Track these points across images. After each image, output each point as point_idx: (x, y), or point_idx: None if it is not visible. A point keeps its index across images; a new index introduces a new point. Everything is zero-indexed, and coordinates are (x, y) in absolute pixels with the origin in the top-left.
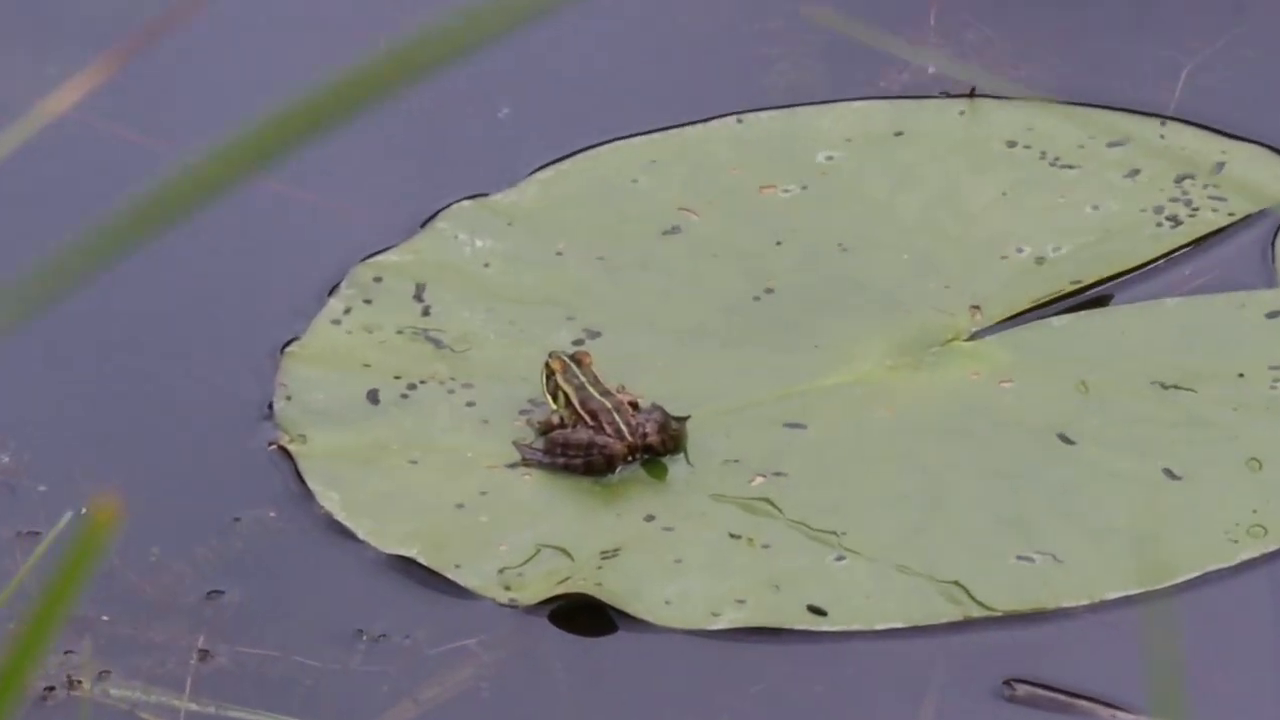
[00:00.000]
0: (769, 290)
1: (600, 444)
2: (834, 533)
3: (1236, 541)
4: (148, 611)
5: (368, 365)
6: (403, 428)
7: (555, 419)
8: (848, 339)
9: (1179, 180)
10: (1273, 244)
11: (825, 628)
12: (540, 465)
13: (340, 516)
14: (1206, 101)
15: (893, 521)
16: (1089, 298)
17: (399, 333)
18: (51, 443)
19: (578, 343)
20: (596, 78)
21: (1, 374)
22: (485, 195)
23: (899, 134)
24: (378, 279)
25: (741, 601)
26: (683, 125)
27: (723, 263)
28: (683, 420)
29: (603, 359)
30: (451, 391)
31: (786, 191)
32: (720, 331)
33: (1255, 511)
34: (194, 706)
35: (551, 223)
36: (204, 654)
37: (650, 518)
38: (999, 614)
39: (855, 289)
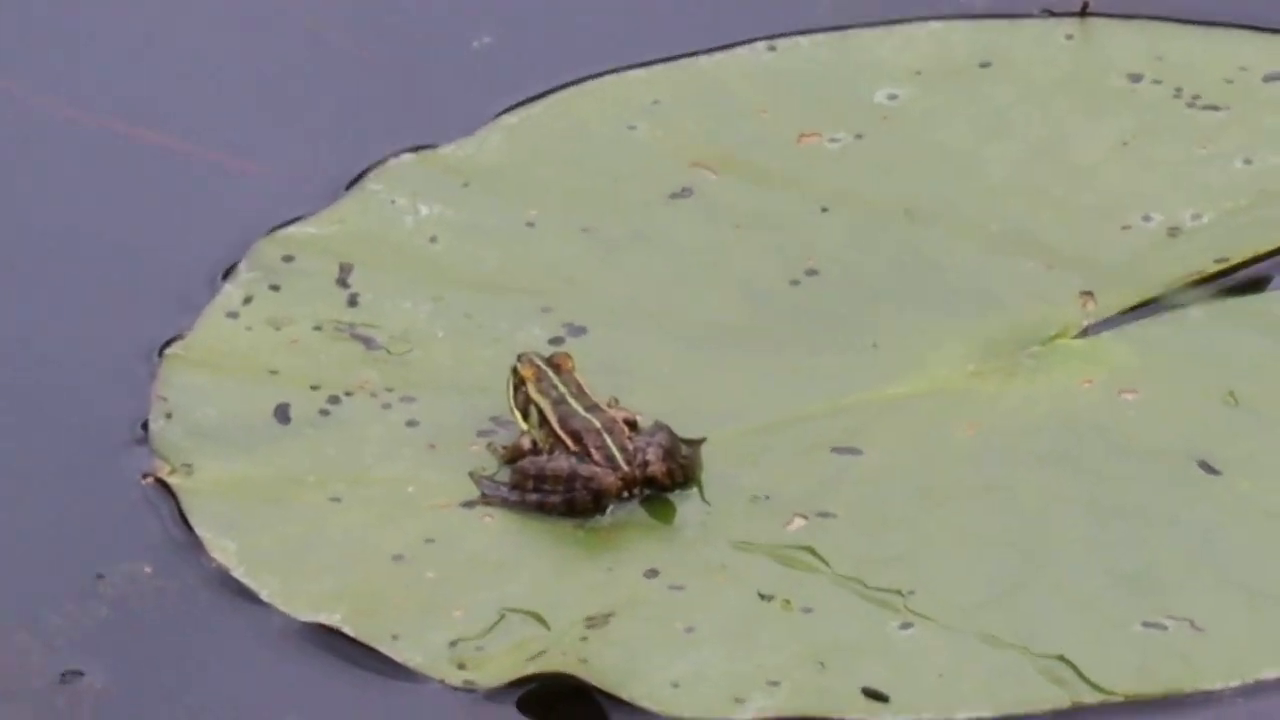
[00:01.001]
0: (811, 272)
1: (586, 476)
2: (898, 592)
3: None
4: None
5: (275, 372)
6: (322, 455)
7: (526, 443)
8: (917, 336)
9: None
10: None
11: (888, 718)
12: (506, 504)
13: (238, 572)
14: None
15: (976, 577)
16: (1239, 281)
17: (317, 329)
18: None
19: (555, 342)
20: None
21: None
22: (433, 147)
23: (985, 65)
24: (288, 258)
25: (775, 683)
26: (696, 53)
27: (749, 236)
28: (695, 444)
29: (588, 363)
30: (387, 406)
31: (834, 141)
32: (746, 327)
33: None
34: None
35: (521, 183)
36: None
37: (653, 573)
38: (1119, 699)
39: (927, 270)
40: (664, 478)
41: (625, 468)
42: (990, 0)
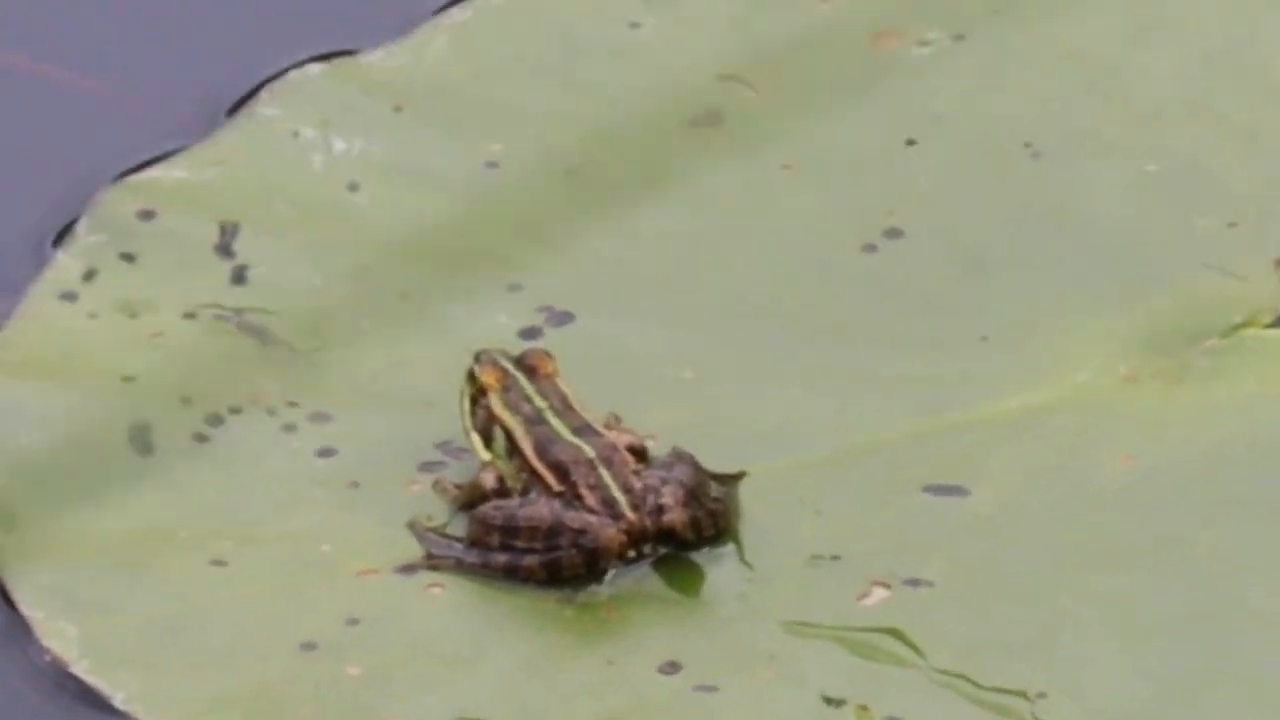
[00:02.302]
0: (892, 233)
1: (576, 528)
2: (1022, 694)
3: None
4: None
5: (130, 379)
6: (199, 499)
7: (489, 480)
8: (1044, 325)
9: None
10: None
11: None
12: (461, 568)
13: (81, 668)
14: None
15: (1134, 672)
16: None
17: (188, 317)
18: None
19: (530, 334)
20: None
21: None
22: (351, 54)
23: None
24: (147, 214)
25: None
26: None
27: (803, 181)
28: (730, 481)
29: (577, 364)
30: (290, 428)
31: (925, 45)
32: (800, 314)
33: None
34: None
35: (477, 107)
36: None
37: (672, 667)
38: None
39: (1056, 230)
40: (686, 530)
41: (631, 515)
42: None
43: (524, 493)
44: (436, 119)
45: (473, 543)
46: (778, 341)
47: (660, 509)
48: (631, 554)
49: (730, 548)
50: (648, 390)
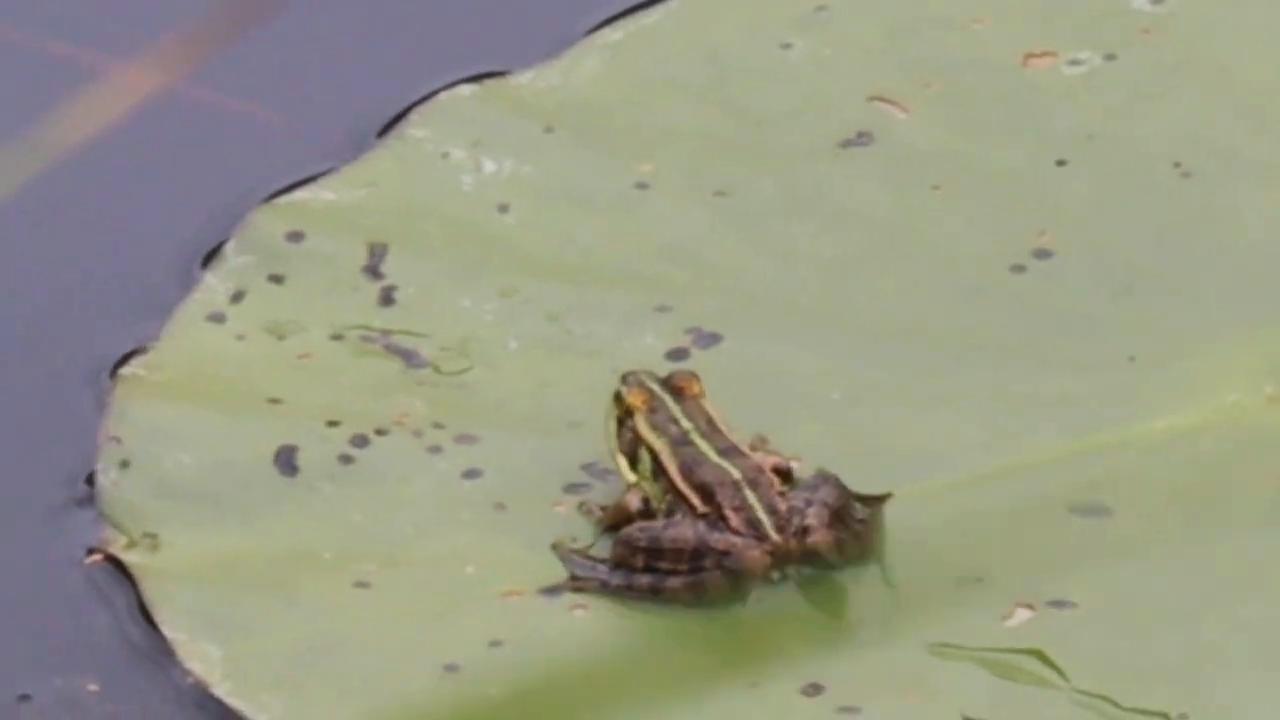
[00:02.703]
0: (1041, 254)
1: (721, 549)
2: (1164, 715)
3: None
4: None
5: (277, 401)
6: (344, 521)
7: (635, 502)
8: (1193, 345)
9: None
10: None
11: None
12: (606, 589)
13: (223, 690)
14: None
15: (1275, 696)
16: None
17: (336, 338)
18: None
19: (677, 356)
20: None
21: None
22: (501, 75)
23: None
24: (295, 235)
25: None
26: None
27: (953, 201)
28: (876, 503)
29: (724, 386)
30: (436, 450)
31: (1076, 65)
32: (948, 333)
33: None
34: None
35: (627, 128)
36: None
37: (815, 689)
38: None
39: (1207, 248)
40: (831, 551)
41: (776, 537)
42: None
43: (669, 514)
44: (587, 140)
45: (617, 564)
46: (925, 362)
47: (805, 530)
48: (776, 575)
49: (875, 569)
50: (794, 412)
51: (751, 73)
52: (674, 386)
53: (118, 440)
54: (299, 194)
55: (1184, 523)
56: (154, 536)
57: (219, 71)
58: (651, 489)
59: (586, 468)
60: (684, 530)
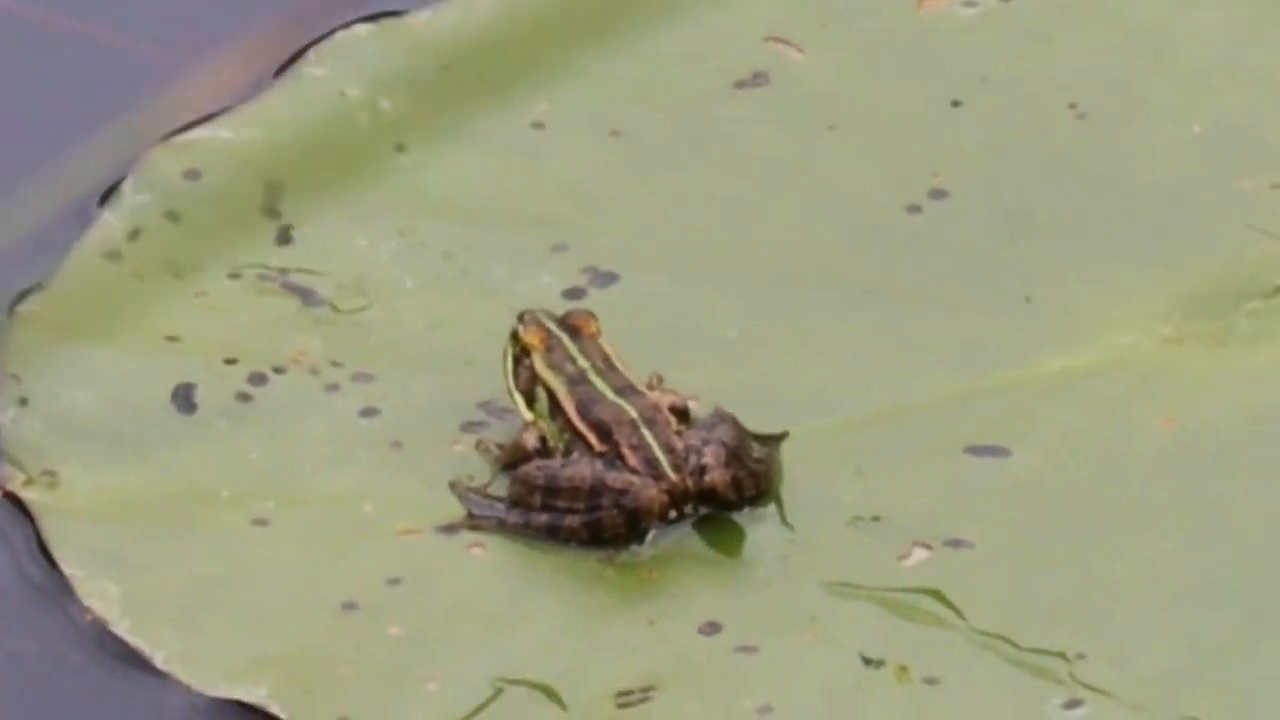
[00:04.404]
0: (937, 194)
1: (618, 487)
2: (1061, 655)
3: None
4: None
5: (174, 339)
6: (241, 458)
7: (532, 440)
8: (1087, 286)
9: None
10: None
11: None
12: (503, 528)
13: (122, 628)
14: None
15: (1173, 636)
16: None
17: (233, 277)
18: None
19: (574, 295)
20: None
21: None
22: (398, 14)
23: None
24: (192, 174)
25: None
26: None
27: (848, 142)
28: (773, 442)
29: (620, 325)
30: (333, 388)
31: (971, 5)
32: (844, 274)
33: None
34: None
35: (524, 67)
36: None
37: (712, 627)
38: None
39: (1101, 191)
40: (728, 490)
41: (673, 475)
42: None
43: (566, 453)
44: (483, 79)
45: (514, 503)
46: (821, 302)
47: (702, 469)
48: (673, 514)
49: (772, 508)
50: (691, 351)
51: (649, 13)
52: (571, 325)
53: (15, 378)
54: (196, 133)
55: (1081, 463)
56: (52, 474)
57: (99, 1)
58: (549, 427)
59: (483, 406)
60: (581, 469)
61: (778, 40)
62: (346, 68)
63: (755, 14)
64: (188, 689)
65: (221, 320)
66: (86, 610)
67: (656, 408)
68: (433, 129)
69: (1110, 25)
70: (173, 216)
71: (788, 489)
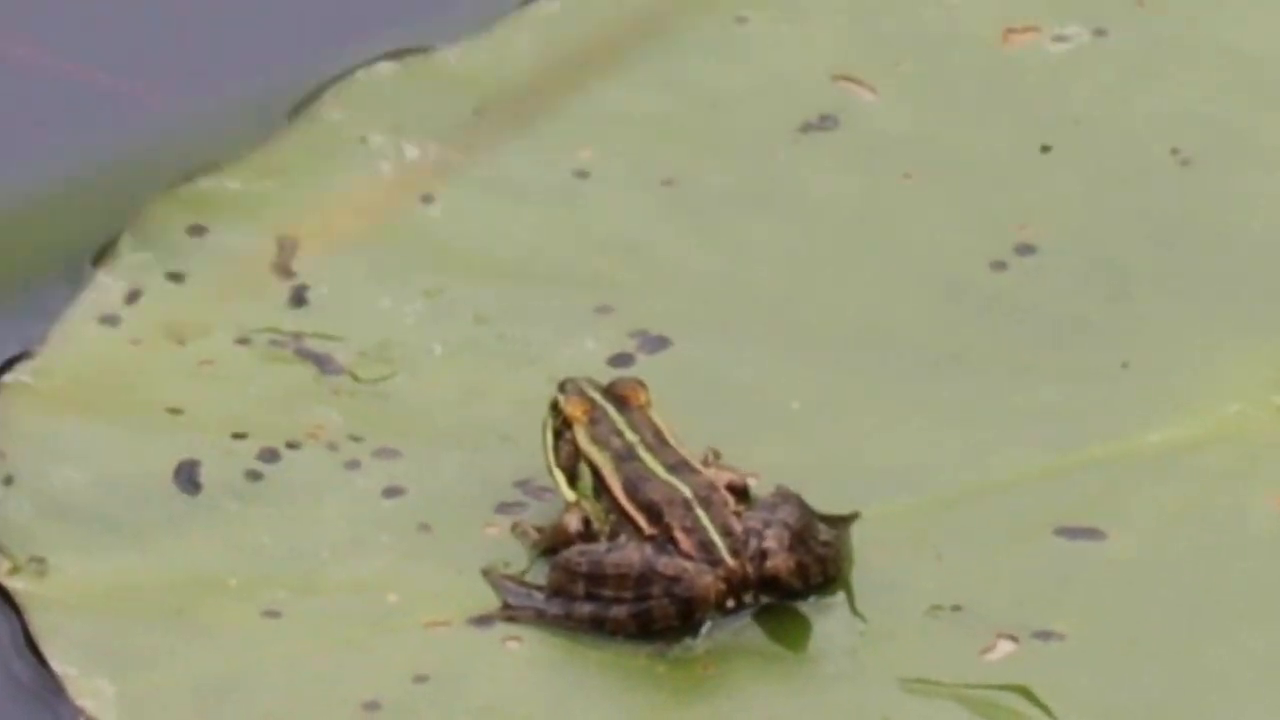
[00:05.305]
0: (1024, 250)
1: (670, 575)
2: None
3: None
4: None
5: (177, 411)
6: (252, 543)
7: (574, 523)
8: (1192, 350)
9: None
10: None
11: None
12: (542, 619)
13: None
14: None
15: None
16: None
17: (242, 342)
18: None
19: (620, 361)
20: None
21: None
22: (425, 51)
23: None
24: (197, 229)
25: None
26: None
27: (926, 191)
28: (842, 524)
29: (673, 395)
30: (353, 465)
31: (1061, 41)
32: (920, 338)
33: None
34: None
35: (565, 109)
36: None
37: None
38: None
39: (1206, 245)
40: (791, 578)
41: (731, 561)
42: None
43: (612, 536)
44: (520, 123)
45: (555, 592)
46: (896, 369)
47: (763, 554)
48: (731, 604)
49: (840, 597)
50: (751, 424)
51: (703, 49)
52: (617, 395)
53: (1, 454)
54: (201, 183)
55: (1183, 545)
56: (41, 561)
57: (103, 46)
58: (593, 508)
59: (521, 485)
60: (629, 554)
61: (847, 79)
62: (368, 110)
63: (822, 49)
64: None
65: (229, 391)
66: (79, 712)
67: (713, 486)
68: (464, 177)
69: (1217, 60)
70: (175, 276)
71: (858, 576)
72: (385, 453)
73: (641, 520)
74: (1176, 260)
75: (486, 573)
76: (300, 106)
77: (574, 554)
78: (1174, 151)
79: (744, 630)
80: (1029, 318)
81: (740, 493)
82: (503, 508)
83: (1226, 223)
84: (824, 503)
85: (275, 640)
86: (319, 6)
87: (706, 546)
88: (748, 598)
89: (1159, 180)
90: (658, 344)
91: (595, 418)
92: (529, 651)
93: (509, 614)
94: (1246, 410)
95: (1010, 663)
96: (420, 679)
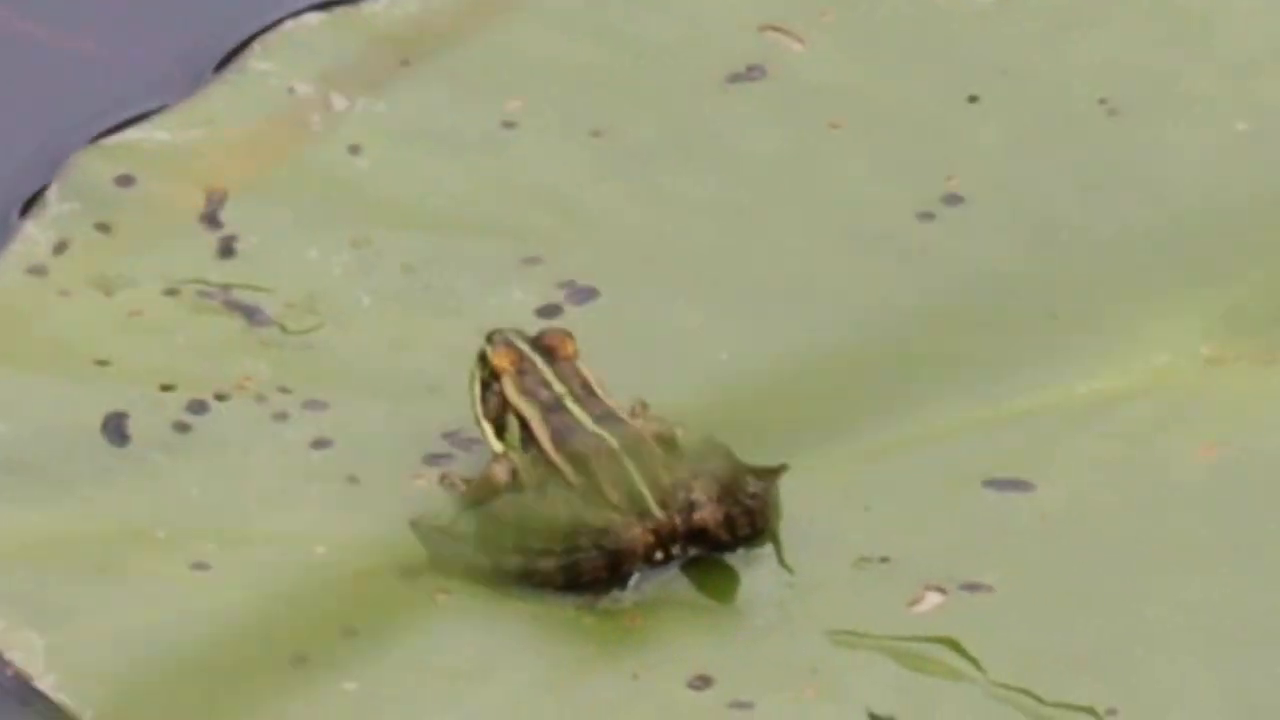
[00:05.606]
0: (951, 199)
1: (598, 526)
2: (1090, 710)
3: None
4: None
5: (104, 363)
6: (179, 495)
7: (502, 473)
8: (1119, 300)
9: None
10: None
11: None
12: (471, 572)
13: (47, 684)
14: None
15: (1216, 688)
16: None
17: (170, 293)
18: None
19: (548, 312)
20: None
21: None
22: (353, 1)
23: None
24: (125, 179)
25: None
26: None
27: (853, 141)
28: (770, 476)
29: (600, 345)
30: (281, 417)
31: None
32: (849, 288)
33: None
34: None
35: (493, 59)
36: None
37: (704, 681)
38: None
39: (1133, 196)
40: (720, 529)
41: (659, 513)
42: None
43: (540, 488)
44: (447, 73)
45: (483, 543)
46: (822, 321)
47: (691, 505)
48: (659, 556)
49: (768, 549)
50: (679, 374)
51: None
52: (545, 346)
53: None
54: (128, 133)
55: (1112, 497)
56: None
57: None
58: (521, 459)
59: (448, 436)
60: (556, 506)
61: (775, 29)
62: (295, 61)
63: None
64: None
65: (157, 342)
66: (7, 664)
67: (640, 438)
68: (391, 129)
69: (1144, 10)
70: (103, 227)
71: (786, 527)
72: (313, 404)
73: (569, 471)
74: (1105, 211)
75: (415, 524)
76: (228, 58)
77: (502, 505)
78: (1101, 101)
79: (672, 582)
80: (955, 268)
81: (668, 444)
82: (431, 459)
83: (1154, 173)
84: (751, 454)
85: (203, 592)
86: None
87: (634, 498)
88: (676, 550)
89: (1087, 130)
90: (586, 295)
91: (523, 369)
92: (457, 603)
93: (437, 566)
94: (1175, 361)
95: (938, 614)
96: (348, 631)
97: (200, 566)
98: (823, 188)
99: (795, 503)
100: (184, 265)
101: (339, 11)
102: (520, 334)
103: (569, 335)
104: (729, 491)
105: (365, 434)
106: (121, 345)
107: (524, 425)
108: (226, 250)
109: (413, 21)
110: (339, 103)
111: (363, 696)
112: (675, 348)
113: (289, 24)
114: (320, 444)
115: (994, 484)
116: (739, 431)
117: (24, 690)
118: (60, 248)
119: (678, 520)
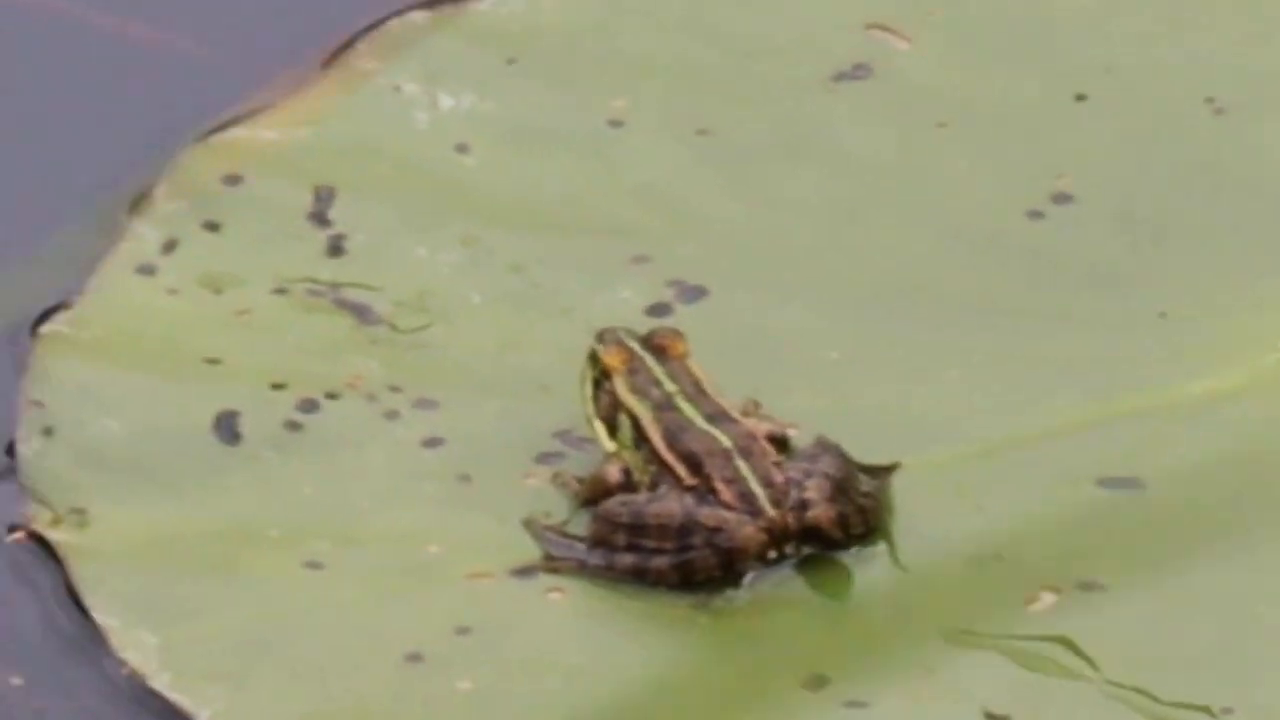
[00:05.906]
0: (1060, 198)
1: (711, 525)
2: (1206, 709)
3: None
4: None
5: (215, 361)
6: (292, 494)
7: (614, 473)
8: (1232, 299)
9: None
10: None
11: None
12: (584, 570)
13: (161, 683)
14: None
15: None
16: None
17: (279, 292)
18: None
19: (658, 311)
20: None
21: None
22: (459, 0)
23: None
24: (233, 179)
25: None
26: None
27: (960, 141)
28: (883, 475)
29: (711, 345)
30: (393, 416)
31: None
32: (958, 287)
33: None
34: None
35: (599, 60)
36: None
37: (819, 680)
38: None
39: (1243, 192)
40: (833, 528)
41: (772, 512)
42: None
43: (653, 487)
44: (554, 72)
45: (596, 542)
46: (933, 320)
47: (804, 504)
48: (772, 554)
49: (882, 548)
50: (790, 373)
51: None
52: (656, 345)
53: (40, 405)
54: (235, 132)
55: (1225, 496)
56: (82, 512)
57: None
58: (633, 458)
59: (560, 435)
60: (670, 504)
61: (880, 28)
62: (402, 60)
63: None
64: None
65: (267, 341)
66: (122, 663)
67: (752, 436)
68: (498, 128)
69: (1252, 8)
70: (212, 226)
71: (899, 526)
72: (424, 403)
73: (682, 470)
74: (1213, 209)
75: (528, 523)
76: (334, 56)
77: (615, 504)
78: (1209, 100)
79: (786, 581)
80: (1066, 267)
81: (780, 443)
82: (543, 458)
83: (1261, 171)
84: (864, 453)
85: (317, 591)
86: None
87: (747, 497)
88: (789, 548)
89: (1194, 129)
90: (695, 294)
91: (634, 368)
92: (571, 603)
93: (551, 565)
94: None
95: (1053, 614)
96: (462, 630)
97: (313, 565)
98: (930, 187)
99: (908, 501)
100: (293, 264)
101: (444, 10)
102: (631, 333)
103: (680, 334)
104: (842, 490)
105: (477, 433)
106: (231, 344)
107: (636, 424)
108: (335, 249)
109: (518, 20)
110: (445, 101)
111: (477, 696)
112: (785, 347)
113: (394, 22)
114: (432, 443)
115: (1107, 483)
116: (851, 430)
117: (138, 689)
118: (169, 247)
119: (791, 519)
